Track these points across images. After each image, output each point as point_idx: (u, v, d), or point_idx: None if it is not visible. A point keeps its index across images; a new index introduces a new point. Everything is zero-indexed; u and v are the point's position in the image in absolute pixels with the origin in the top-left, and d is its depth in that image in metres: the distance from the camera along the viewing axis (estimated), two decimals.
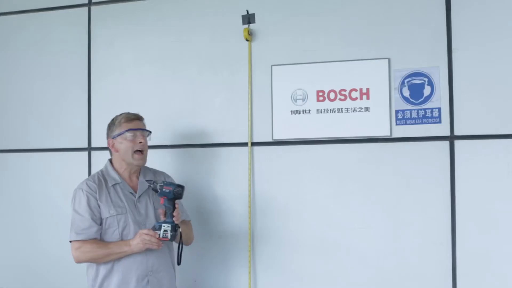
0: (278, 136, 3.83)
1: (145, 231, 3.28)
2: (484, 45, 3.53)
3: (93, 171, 4.14)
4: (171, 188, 3.31)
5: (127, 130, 3.46)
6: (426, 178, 3.58)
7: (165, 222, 3.29)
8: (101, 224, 3.37)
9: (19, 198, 4.39)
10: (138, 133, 3.48)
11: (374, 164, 3.66)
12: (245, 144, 3.87)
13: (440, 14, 3.59)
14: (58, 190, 4.27)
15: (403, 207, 3.61)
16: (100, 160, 4.12)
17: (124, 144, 3.47)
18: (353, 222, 3.69)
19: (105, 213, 3.37)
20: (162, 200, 3.33)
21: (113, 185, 3.46)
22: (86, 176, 4.11)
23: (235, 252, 3.88)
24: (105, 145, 3.46)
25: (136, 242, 3.30)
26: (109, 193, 3.43)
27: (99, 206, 3.38)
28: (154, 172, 3.64)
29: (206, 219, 3.92)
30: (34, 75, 4.41)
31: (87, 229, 3.33)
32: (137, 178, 3.54)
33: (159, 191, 3.32)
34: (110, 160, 3.57)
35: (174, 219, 3.31)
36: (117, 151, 3.50)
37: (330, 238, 3.72)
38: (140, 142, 3.47)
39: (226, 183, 3.92)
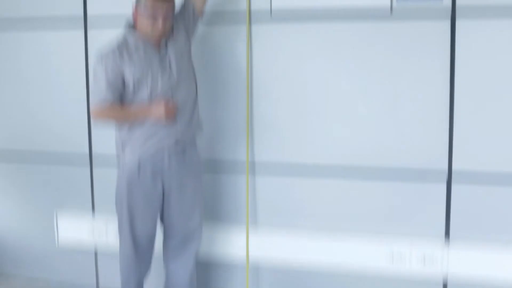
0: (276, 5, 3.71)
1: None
2: None
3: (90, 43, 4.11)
4: None
5: (147, 13, 3.34)
6: (426, 54, 3.54)
7: None
8: (123, 90, 3.37)
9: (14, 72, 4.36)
10: (160, 17, 3.34)
11: (375, 40, 3.62)
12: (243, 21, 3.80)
13: None
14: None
15: (402, 82, 3.61)
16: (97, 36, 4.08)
17: (142, 21, 3.37)
18: (353, 94, 3.70)
19: (130, 76, 3.35)
20: None
21: (135, 46, 3.40)
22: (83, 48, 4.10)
23: (234, 137, 3.93)
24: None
25: (158, 108, 3.37)
26: (131, 55, 3.38)
27: (121, 72, 3.34)
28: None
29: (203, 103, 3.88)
30: None
31: (104, 97, 3.33)
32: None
33: None
34: (130, 24, 3.46)
35: None
36: (136, 26, 3.43)
37: (331, 108, 3.74)
38: (159, 27, 3.36)
39: (223, 64, 3.88)
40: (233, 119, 3.89)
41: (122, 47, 3.38)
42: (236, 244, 3.94)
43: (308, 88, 3.76)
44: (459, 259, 3.57)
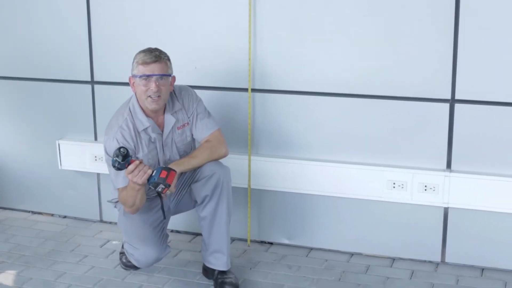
0: None
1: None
2: None
3: None
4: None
5: (140, 76, 3.28)
6: None
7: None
8: None
9: None
10: (153, 78, 3.27)
11: None
12: None
13: None
14: None
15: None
16: None
17: (138, 88, 3.32)
18: (355, 11, 3.64)
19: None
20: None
21: (143, 130, 3.37)
22: None
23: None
24: None
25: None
26: (141, 140, 3.36)
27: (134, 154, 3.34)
28: (179, 93, 3.48)
29: None
30: None
31: (122, 182, 3.31)
32: (163, 113, 3.42)
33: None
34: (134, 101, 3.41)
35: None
36: (134, 92, 3.37)
37: (331, 26, 3.69)
38: (153, 89, 3.27)
39: None
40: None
41: (131, 132, 3.33)
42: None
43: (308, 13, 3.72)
44: (460, 187, 3.58)
